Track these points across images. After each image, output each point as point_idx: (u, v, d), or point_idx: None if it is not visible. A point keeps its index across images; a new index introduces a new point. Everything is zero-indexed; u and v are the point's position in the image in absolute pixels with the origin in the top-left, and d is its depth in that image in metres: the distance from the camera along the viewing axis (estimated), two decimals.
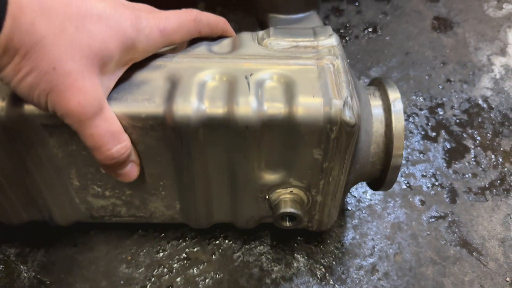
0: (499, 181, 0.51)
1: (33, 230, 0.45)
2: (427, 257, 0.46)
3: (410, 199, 0.49)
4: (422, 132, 0.53)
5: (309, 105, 0.33)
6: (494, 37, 0.61)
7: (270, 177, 0.38)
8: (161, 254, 0.45)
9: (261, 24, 0.49)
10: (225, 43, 0.39)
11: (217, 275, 0.45)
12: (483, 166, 0.52)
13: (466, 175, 0.51)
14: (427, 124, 0.54)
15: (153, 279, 0.44)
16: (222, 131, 0.34)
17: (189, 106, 0.33)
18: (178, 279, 0.44)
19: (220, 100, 0.33)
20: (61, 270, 0.44)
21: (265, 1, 0.47)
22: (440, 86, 0.57)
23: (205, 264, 0.45)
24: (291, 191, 0.38)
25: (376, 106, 0.39)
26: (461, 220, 0.49)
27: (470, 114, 0.55)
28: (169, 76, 0.35)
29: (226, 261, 0.45)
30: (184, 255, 0.45)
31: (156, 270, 0.45)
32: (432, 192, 0.50)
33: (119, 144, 0.32)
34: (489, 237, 0.48)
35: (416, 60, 0.59)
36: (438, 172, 0.51)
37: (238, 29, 0.60)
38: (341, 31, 0.61)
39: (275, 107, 0.33)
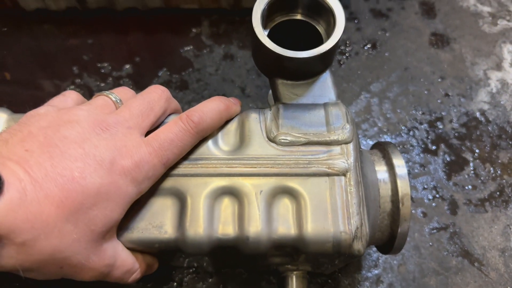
0: (498, 193, 0.52)
1: None
2: (430, 268, 0.48)
3: (413, 211, 0.51)
4: (423, 146, 0.55)
5: (319, 234, 0.32)
6: (489, 52, 0.63)
7: (277, 260, 0.38)
8: (171, 269, 0.46)
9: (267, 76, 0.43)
10: (232, 134, 0.37)
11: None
12: (482, 178, 0.53)
13: (466, 187, 0.52)
14: (427, 138, 0.56)
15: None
16: (234, 250, 0.34)
17: (200, 234, 0.32)
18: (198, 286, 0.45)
19: (231, 225, 0.33)
20: None
21: (272, 68, 0.40)
22: (438, 100, 0.58)
23: (213, 277, 0.46)
24: (297, 267, 0.39)
25: (382, 175, 0.38)
26: (462, 231, 0.50)
27: (469, 128, 0.56)
28: (176, 193, 0.34)
29: (234, 276, 0.46)
30: (193, 268, 0.46)
31: (166, 284, 0.46)
32: (434, 204, 0.51)
33: (132, 274, 0.34)
34: (490, 248, 0.49)
35: (415, 75, 0.60)
36: (438, 185, 0.52)
37: (242, 46, 0.62)
38: (342, 47, 0.62)
39: (285, 227, 0.33)
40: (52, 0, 0.61)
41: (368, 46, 0.63)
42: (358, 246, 0.33)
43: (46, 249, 0.27)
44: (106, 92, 0.36)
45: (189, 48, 0.62)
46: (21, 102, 0.57)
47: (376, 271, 0.47)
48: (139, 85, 0.58)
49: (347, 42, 0.63)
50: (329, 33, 0.38)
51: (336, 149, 0.35)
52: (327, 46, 0.36)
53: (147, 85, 0.58)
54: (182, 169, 0.34)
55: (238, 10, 0.63)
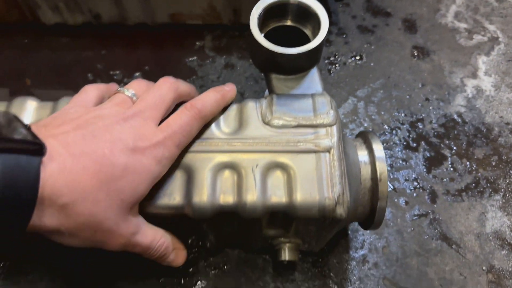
0: (474, 184, 0.57)
1: None
2: (412, 249, 0.52)
3: (395, 200, 0.56)
4: (404, 143, 0.60)
5: (307, 201, 0.38)
6: (466, 62, 0.69)
7: (272, 232, 0.44)
8: None
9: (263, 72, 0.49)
10: (232, 119, 0.43)
11: (225, 266, 0.50)
12: (459, 172, 0.58)
13: (445, 179, 0.58)
14: (408, 136, 0.61)
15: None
16: (233, 216, 0.39)
17: (204, 200, 0.38)
18: (191, 270, 0.50)
19: (231, 194, 0.38)
20: (84, 263, 0.50)
21: (266, 64, 0.46)
22: (419, 104, 0.64)
23: (214, 256, 0.51)
24: (289, 240, 0.44)
25: (363, 157, 0.44)
26: (441, 218, 0.55)
27: (447, 128, 0.62)
28: (184, 167, 0.39)
29: (233, 254, 0.51)
30: (195, 248, 0.51)
31: None
32: (415, 194, 0.56)
33: (156, 246, 0.38)
34: (466, 232, 0.54)
35: (397, 83, 0.67)
36: (419, 177, 0.58)
37: (241, 57, 0.68)
38: (331, 58, 0.69)
39: (277, 196, 0.38)
40: (70, 15, 0.68)
41: (355, 57, 0.69)
42: (340, 210, 0.38)
43: (83, 212, 0.31)
44: (123, 88, 0.41)
45: (193, 59, 0.68)
46: None
47: (362, 252, 0.52)
48: None
49: (336, 54, 0.70)
50: (315, 35, 0.44)
51: (322, 130, 0.41)
52: (313, 44, 0.42)
53: None
54: (190, 147, 0.40)
55: (237, 25, 0.70)
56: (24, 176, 0.27)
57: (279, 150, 0.40)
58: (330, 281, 0.50)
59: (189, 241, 0.48)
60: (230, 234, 0.45)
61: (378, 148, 0.44)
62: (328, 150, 0.40)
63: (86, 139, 0.33)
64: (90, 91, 0.41)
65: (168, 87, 0.42)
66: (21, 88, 0.65)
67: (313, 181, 0.38)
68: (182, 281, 0.49)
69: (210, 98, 0.42)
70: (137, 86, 0.43)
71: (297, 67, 0.45)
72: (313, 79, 0.45)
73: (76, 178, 0.31)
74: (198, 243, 0.49)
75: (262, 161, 0.39)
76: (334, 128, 0.41)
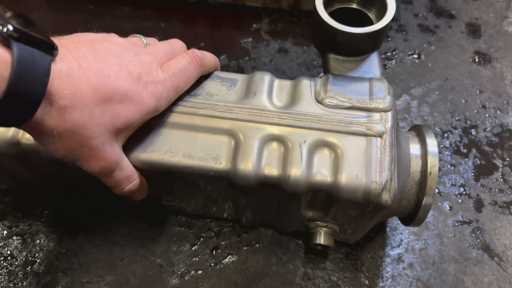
0: None
1: None
2: (450, 255, 0.50)
3: (439, 204, 0.54)
4: (455, 148, 0.58)
5: (352, 181, 0.37)
6: None
7: (310, 214, 0.43)
8: (211, 220, 0.52)
9: (321, 55, 0.49)
10: (285, 93, 0.43)
11: (257, 244, 0.50)
12: (510, 184, 0.56)
13: (493, 190, 0.55)
14: (460, 142, 0.59)
15: (202, 239, 0.50)
16: (276, 187, 0.39)
17: (249, 167, 0.38)
18: (223, 243, 0.50)
19: (276, 164, 0.38)
20: (124, 222, 0.51)
21: (326, 43, 0.45)
22: (475, 110, 0.62)
23: (248, 233, 0.51)
24: (327, 225, 0.44)
25: (414, 149, 0.43)
26: (485, 228, 0.52)
27: (501, 138, 0.60)
28: (233, 134, 0.39)
29: (266, 234, 0.51)
30: (230, 223, 0.51)
31: (206, 232, 0.51)
32: (460, 200, 0.54)
33: (130, 183, 0.39)
34: (511, 246, 0.51)
35: (454, 86, 0.64)
36: (466, 184, 0.56)
37: (296, 43, 0.68)
38: (388, 54, 0.67)
39: (322, 175, 0.37)
40: None
41: (414, 56, 0.68)
42: (386, 197, 0.37)
43: (78, 120, 0.32)
44: (139, 35, 0.43)
45: (248, 40, 0.68)
46: None
47: (398, 251, 0.51)
48: None
49: (394, 50, 0.68)
50: (379, 20, 0.43)
51: (376, 115, 0.40)
52: (377, 26, 0.41)
53: None
54: (240, 115, 0.40)
55: (296, 11, 0.70)
56: (36, 69, 0.28)
57: (329, 129, 0.39)
58: (361, 275, 0.49)
59: (225, 213, 0.48)
60: (267, 211, 0.45)
61: (432, 143, 0.43)
62: (380, 135, 0.39)
63: (96, 57, 0.34)
64: (114, 34, 0.42)
65: (180, 45, 0.43)
66: None
67: (361, 163, 0.38)
68: (214, 252, 0.49)
69: (210, 54, 0.44)
70: (153, 39, 0.44)
71: (357, 49, 0.44)
72: (372, 64, 0.45)
73: (79, 87, 0.32)
74: (233, 217, 0.49)
75: (311, 137, 0.39)
76: (389, 114, 0.40)
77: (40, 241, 0.50)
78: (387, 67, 0.66)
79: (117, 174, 0.37)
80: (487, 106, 0.62)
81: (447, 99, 0.63)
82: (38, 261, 0.49)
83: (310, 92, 0.42)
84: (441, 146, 0.59)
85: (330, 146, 0.39)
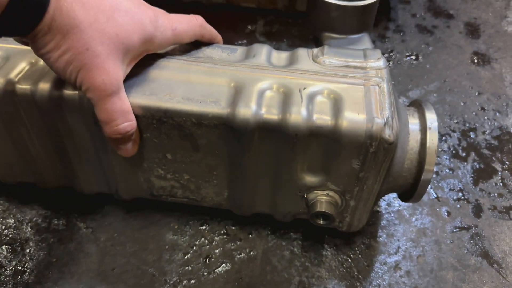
0: None
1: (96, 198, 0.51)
2: (449, 262, 0.49)
3: (437, 209, 0.53)
4: (454, 151, 0.57)
5: (353, 120, 0.37)
6: None
7: (310, 179, 0.42)
8: (204, 227, 0.51)
9: (316, 41, 0.54)
10: (283, 57, 0.44)
11: (252, 252, 0.49)
12: (509, 188, 0.55)
13: (492, 194, 0.54)
14: (458, 145, 0.58)
15: (195, 247, 0.49)
16: (275, 134, 0.38)
17: (249, 111, 0.37)
18: (217, 251, 0.49)
19: (276, 108, 0.38)
20: (115, 230, 0.50)
21: (321, 21, 0.49)
22: (474, 113, 0.61)
23: (242, 241, 0.50)
24: (327, 193, 0.43)
25: (413, 125, 0.43)
26: (484, 234, 0.51)
27: (501, 141, 0.58)
28: (234, 83, 0.40)
29: (261, 241, 0.50)
30: (224, 230, 0.50)
31: (199, 240, 0.50)
32: (458, 206, 0.53)
33: (126, 122, 0.37)
34: (510, 253, 0.50)
35: (453, 88, 0.63)
36: (465, 188, 0.55)
37: (292, 45, 0.67)
38: (385, 55, 0.66)
39: (323, 119, 0.37)
40: None
41: (411, 57, 0.66)
42: (389, 131, 0.36)
43: (84, 19, 0.33)
44: None
45: (243, 42, 0.67)
46: None
47: (395, 258, 0.50)
48: None
49: (391, 51, 0.67)
50: None
51: (372, 71, 0.41)
52: (368, 1, 0.44)
53: None
54: (241, 68, 0.41)
55: (291, 12, 0.69)
56: None
57: (328, 80, 0.40)
58: (357, 284, 0.48)
59: (218, 200, 0.47)
60: (264, 187, 0.44)
61: (431, 117, 0.42)
62: (378, 84, 0.39)
63: None
64: None
65: (195, 19, 0.44)
66: None
67: (361, 105, 0.38)
68: (207, 261, 0.49)
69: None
70: None
71: (350, 26, 0.47)
72: (364, 42, 0.48)
73: None
74: (226, 206, 0.48)
75: (310, 86, 0.39)
76: (384, 71, 0.41)
77: (30, 250, 0.49)
78: None
79: (115, 102, 0.36)
80: (486, 108, 0.61)
81: (445, 101, 0.62)
82: (28, 270, 0.48)
83: (308, 55, 0.43)
84: (440, 149, 0.58)
85: (330, 94, 0.39)
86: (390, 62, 0.66)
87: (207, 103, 0.38)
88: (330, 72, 0.41)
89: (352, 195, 0.43)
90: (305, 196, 0.44)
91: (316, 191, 0.43)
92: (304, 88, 0.39)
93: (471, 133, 0.59)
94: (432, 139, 0.41)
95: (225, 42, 0.68)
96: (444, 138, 0.58)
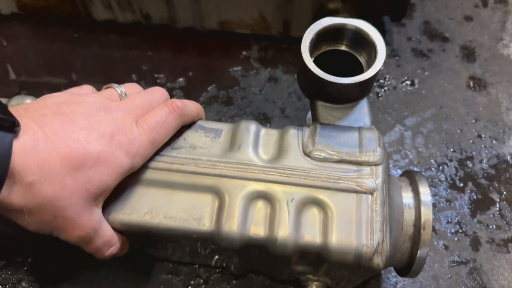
0: None
1: None
2: None
3: (434, 243, 0.52)
4: (451, 182, 0.57)
5: (342, 245, 0.35)
6: None
7: (300, 268, 0.41)
8: (199, 266, 0.50)
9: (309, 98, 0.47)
10: (271, 144, 0.41)
11: None
12: (507, 220, 0.54)
13: (490, 226, 0.54)
14: (455, 175, 0.57)
15: (190, 287, 0.48)
16: (262, 250, 0.37)
17: (234, 227, 0.36)
18: (223, 285, 0.48)
19: (262, 226, 0.36)
20: (110, 271, 0.49)
21: (314, 91, 0.44)
22: (470, 141, 0.60)
23: (238, 280, 0.49)
24: (318, 278, 0.42)
25: (407, 198, 0.41)
26: (482, 268, 0.51)
27: (498, 170, 0.58)
28: (217, 191, 0.38)
29: (257, 280, 0.49)
30: (219, 270, 0.50)
31: (194, 280, 0.49)
32: (456, 239, 0.53)
33: (111, 247, 0.37)
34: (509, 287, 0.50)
35: (449, 115, 0.63)
36: (463, 220, 0.54)
37: (286, 71, 0.66)
38: (380, 81, 0.66)
39: (311, 236, 0.36)
40: (121, 12, 0.68)
41: (407, 82, 0.66)
42: (378, 260, 0.35)
43: (48, 193, 0.31)
44: (115, 85, 0.41)
45: (237, 69, 0.67)
46: None
47: None
48: (189, 97, 0.63)
49: (387, 77, 0.66)
50: (369, 64, 0.41)
51: (366, 169, 0.38)
52: (367, 75, 0.40)
53: (197, 98, 0.64)
54: (224, 170, 0.38)
55: (286, 38, 0.68)
56: None
57: (318, 186, 0.38)
58: None
59: (213, 261, 0.47)
60: (257, 262, 0.44)
61: (425, 192, 0.41)
62: (371, 192, 0.37)
63: (63, 123, 0.33)
64: (85, 88, 0.41)
65: (159, 94, 0.41)
66: (68, 81, 0.65)
67: (352, 224, 0.36)
68: None
69: (192, 102, 0.42)
70: (129, 87, 0.42)
71: (346, 97, 0.43)
72: (362, 111, 0.43)
73: (46, 158, 0.31)
74: (221, 264, 0.48)
75: (299, 195, 0.37)
76: (380, 168, 0.38)
77: None
78: (379, 96, 0.64)
79: (96, 241, 0.35)
80: (483, 135, 0.61)
81: (441, 129, 0.61)
82: None
83: (298, 144, 0.40)
84: (436, 180, 0.57)
85: (319, 204, 0.37)
86: (385, 88, 0.65)
87: (190, 222, 0.37)
88: (321, 171, 0.38)
89: (342, 281, 0.42)
90: (297, 276, 0.43)
91: (308, 276, 0.42)
92: (292, 200, 0.37)
93: (468, 162, 0.59)
94: (427, 216, 0.39)
95: (220, 69, 0.68)
96: (441, 168, 0.58)
